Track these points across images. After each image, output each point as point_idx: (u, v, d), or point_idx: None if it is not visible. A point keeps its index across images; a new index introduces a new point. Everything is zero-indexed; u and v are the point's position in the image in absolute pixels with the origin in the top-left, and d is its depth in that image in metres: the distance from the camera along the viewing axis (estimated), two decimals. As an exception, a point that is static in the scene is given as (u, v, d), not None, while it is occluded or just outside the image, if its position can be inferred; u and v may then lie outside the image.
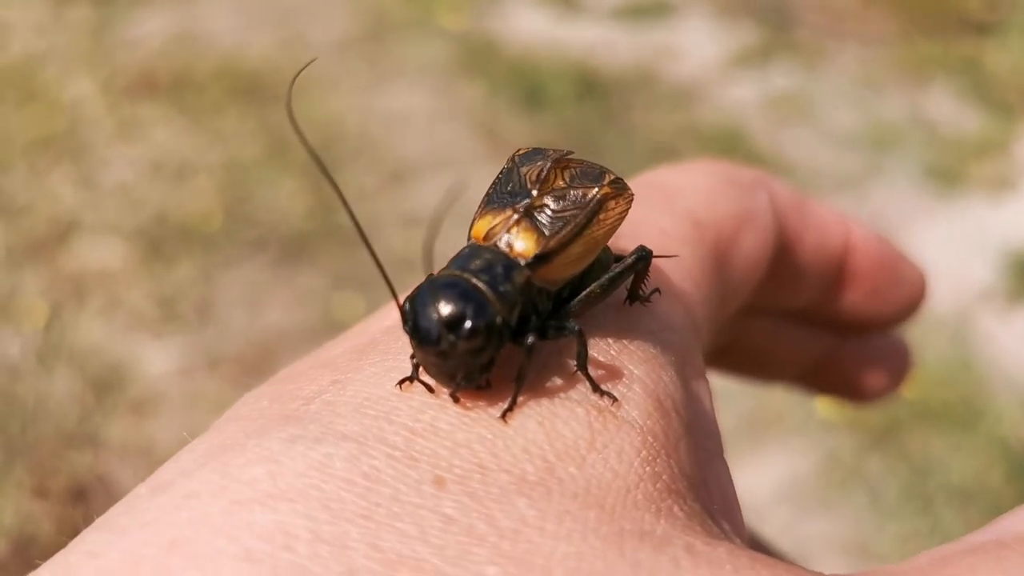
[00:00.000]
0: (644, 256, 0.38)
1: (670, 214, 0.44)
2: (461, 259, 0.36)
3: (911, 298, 0.56)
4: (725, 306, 0.47)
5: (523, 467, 0.30)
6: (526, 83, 2.88)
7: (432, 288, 0.34)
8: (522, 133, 2.70)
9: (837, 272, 0.53)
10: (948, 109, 2.80)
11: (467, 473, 0.30)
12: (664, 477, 0.32)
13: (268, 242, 2.35)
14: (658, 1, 3.24)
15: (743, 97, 2.85)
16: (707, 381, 0.40)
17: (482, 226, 0.37)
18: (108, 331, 2.14)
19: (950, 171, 2.57)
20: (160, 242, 2.37)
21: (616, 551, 0.28)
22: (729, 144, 2.67)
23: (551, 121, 2.76)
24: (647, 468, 0.32)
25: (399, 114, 2.79)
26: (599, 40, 3.09)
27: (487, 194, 0.39)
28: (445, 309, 0.33)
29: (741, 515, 0.37)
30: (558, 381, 0.35)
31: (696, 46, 3.06)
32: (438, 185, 2.50)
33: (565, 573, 0.27)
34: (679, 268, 0.42)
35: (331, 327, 2.10)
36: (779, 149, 2.66)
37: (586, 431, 0.32)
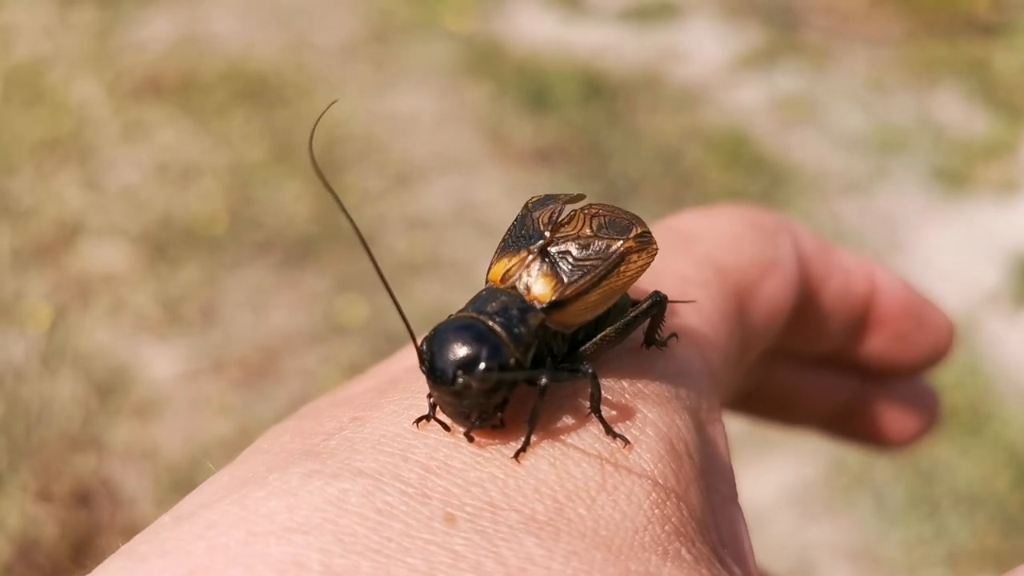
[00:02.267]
0: (659, 301, 0.39)
1: (691, 260, 0.45)
2: (479, 301, 0.37)
3: (937, 344, 0.56)
4: (747, 351, 0.47)
5: (533, 506, 0.31)
6: (532, 85, 2.87)
7: (448, 329, 0.35)
8: (528, 135, 2.70)
9: (862, 317, 0.53)
10: (955, 111, 2.79)
11: (478, 511, 0.30)
12: (673, 520, 0.32)
13: (273, 245, 2.35)
14: (664, 3, 3.23)
15: (749, 99, 2.84)
16: (723, 425, 0.40)
17: (499, 269, 0.38)
18: (112, 334, 2.14)
19: (957, 173, 2.56)
20: (165, 245, 2.36)
21: None
22: (735, 146, 2.66)
23: (557, 123, 2.75)
24: (656, 511, 0.32)
25: (405, 116, 2.79)
26: (605, 42, 3.09)
27: (503, 239, 0.40)
28: (460, 350, 0.34)
29: (753, 559, 0.37)
30: (572, 422, 0.35)
31: (702, 48, 3.06)
32: (444, 187, 2.50)
33: None
34: (698, 313, 0.43)
35: (335, 330, 2.10)
36: (785, 151, 2.65)
37: (597, 473, 0.33)
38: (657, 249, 0.40)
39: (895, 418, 0.59)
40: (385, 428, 0.34)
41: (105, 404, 1.99)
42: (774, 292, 0.47)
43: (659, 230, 0.47)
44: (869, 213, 2.45)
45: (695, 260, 0.45)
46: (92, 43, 3.12)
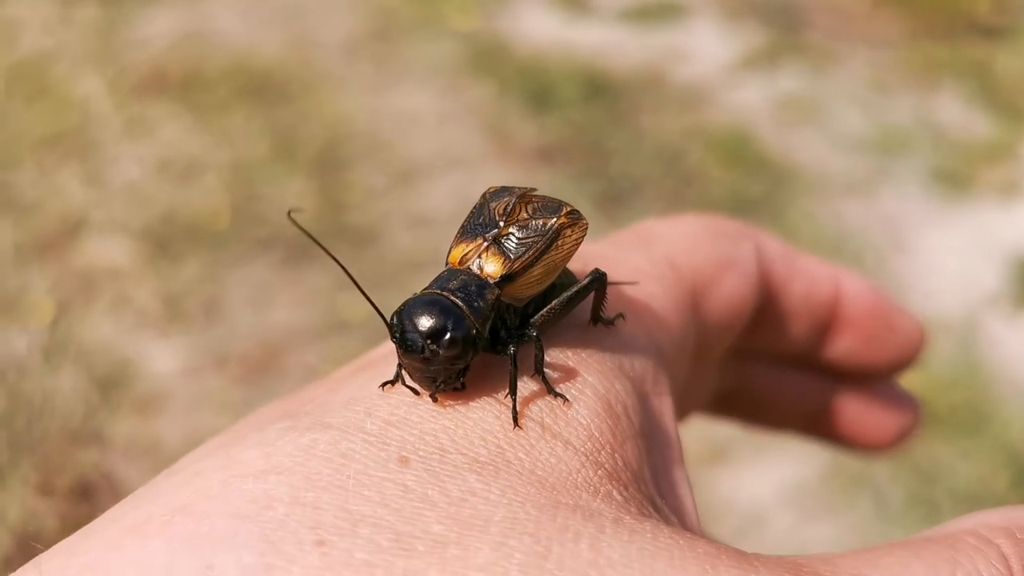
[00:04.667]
0: (599, 277, 0.44)
1: (647, 256, 0.49)
2: (441, 280, 0.42)
3: (907, 346, 0.59)
4: (707, 346, 0.51)
5: (477, 451, 0.36)
6: (535, 84, 2.88)
7: (417, 304, 0.40)
8: (530, 134, 2.70)
9: (827, 320, 0.57)
10: (957, 113, 2.80)
11: (428, 455, 0.35)
12: (606, 466, 0.37)
13: (275, 241, 2.36)
14: (667, 3, 3.24)
15: (751, 99, 2.85)
16: (671, 399, 0.44)
17: (457, 253, 0.44)
18: (115, 329, 2.15)
19: (958, 175, 2.57)
20: (168, 241, 2.37)
21: (549, 517, 0.33)
22: (737, 147, 2.66)
23: (559, 122, 2.76)
24: (590, 457, 0.37)
25: (408, 114, 2.79)
26: (608, 42, 3.09)
27: (462, 226, 0.45)
28: (428, 322, 0.39)
29: (694, 516, 0.42)
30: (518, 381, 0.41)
31: (704, 48, 3.06)
32: (446, 185, 2.50)
33: (500, 531, 0.32)
34: (649, 299, 0.47)
35: (337, 327, 2.10)
36: (787, 152, 2.65)
37: (537, 425, 0.37)
38: (587, 223, 0.45)
39: (873, 420, 0.62)
40: (354, 393, 0.39)
41: (107, 399, 2.00)
42: (732, 290, 0.51)
43: (623, 233, 0.52)
44: (870, 214, 2.46)
45: (652, 258, 0.49)
46: (95, 39, 3.13)
